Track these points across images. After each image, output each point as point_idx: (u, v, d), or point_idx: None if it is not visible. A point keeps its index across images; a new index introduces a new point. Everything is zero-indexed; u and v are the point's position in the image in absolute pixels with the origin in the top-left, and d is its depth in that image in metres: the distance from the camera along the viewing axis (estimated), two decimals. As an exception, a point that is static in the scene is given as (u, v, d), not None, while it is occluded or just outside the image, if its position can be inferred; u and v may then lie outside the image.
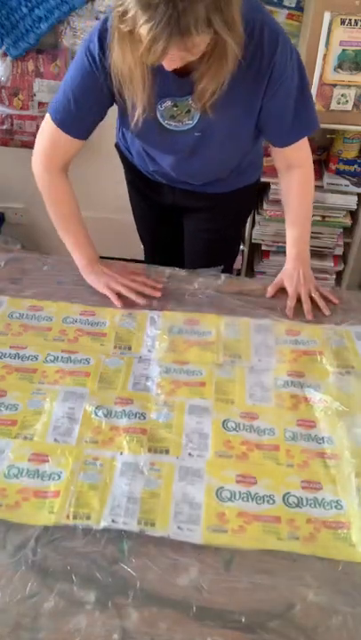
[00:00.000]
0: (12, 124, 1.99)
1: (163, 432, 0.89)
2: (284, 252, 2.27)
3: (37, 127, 1.96)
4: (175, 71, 0.93)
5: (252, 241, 2.15)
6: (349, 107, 1.73)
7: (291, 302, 1.17)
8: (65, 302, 1.17)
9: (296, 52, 1.00)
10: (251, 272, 2.27)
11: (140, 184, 1.39)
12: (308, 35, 1.63)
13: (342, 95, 1.71)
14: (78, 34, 1.82)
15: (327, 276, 2.17)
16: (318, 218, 2.01)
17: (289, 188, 1.19)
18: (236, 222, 1.49)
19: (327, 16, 1.57)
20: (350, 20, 1.57)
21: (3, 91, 1.91)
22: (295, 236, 1.21)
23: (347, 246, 2.16)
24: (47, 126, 1.09)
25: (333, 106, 1.72)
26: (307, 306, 1.16)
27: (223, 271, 1.29)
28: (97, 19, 1.78)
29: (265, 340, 1.09)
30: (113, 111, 1.14)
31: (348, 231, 2.13)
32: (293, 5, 1.71)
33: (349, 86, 1.69)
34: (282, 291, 1.22)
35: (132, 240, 1.68)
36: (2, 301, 1.17)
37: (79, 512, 0.78)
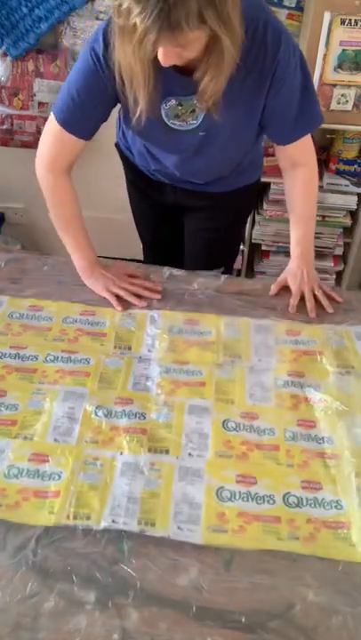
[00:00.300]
0: (12, 124, 1.99)
1: (163, 432, 0.89)
2: (285, 252, 2.29)
3: (37, 127, 1.97)
4: (179, 70, 0.93)
5: (252, 241, 2.15)
6: (349, 107, 1.73)
7: (294, 300, 1.18)
8: (65, 302, 1.17)
9: (299, 50, 1.00)
10: (251, 272, 2.26)
11: (140, 183, 1.39)
12: (308, 35, 1.63)
13: (342, 95, 1.71)
14: (78, 34, 1.82)
15: (327, 275, 2.17)
16: (318, 218, 2.01)
17: (293, 187, 1.19)
18: (236, 222, 1.49)
19: (327, 16, 1.57)
20: (350, 19, 1.57)
21: (3, 91, 1.91)
22: (299, 234, 1.21)
23: (347, 246, 2.16)
24: (51, 127, 1.09)
25: (333, 106, 1.72)
26: (310, 304, 1.16)
27: (223, 272, 1.29)
28: (97, 19, 1.78)
29: (265, 340, 1.09)
30: (113, 111, 1.14)
31: (349, 231, 2.13)
32: (293, 5, 1.71)
33: (349, 86, 1.69)
34: (283, 290, 1.22)
35: (131, 240, 1.68)
36: (2, 301, 1.17)
37: (79, 512, 0.78)
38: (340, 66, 1.65)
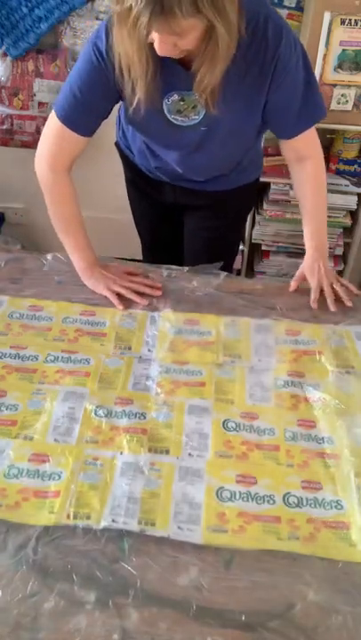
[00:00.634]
0: (12, 124, 1.99)
1: (163, 432, 0.89)
2: (285, 252, 2.29)
3: (37, 127, 1.97)
4: (181, 64, 0.94)
5: (252, 241, 2.15)
6: (349, 107, 1.73)
7: (314, 294, 1.18)
8: (65, 302, 1.17)
9: (300, 44, 1.00)
10: (251, 272, 2.27)
11: (140, 183, 1.39)
12: (308, 35, 1.63)
13: (342, 95, 1.71)
14: (78, 34, 1.82)
15: (327, 275, 2.17)
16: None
17: (302, 181, 1.18)
18: (236, 221, 1.49)
19: (327, 16, 1.57)
20: (350, 19, 1.57)
21: (3, 91, 1.92)
22: (312, 229, 1.20)
23: (347, 246, 2.16)
24: (52, 124, 1.09)
25: (333, 106, 1.72)
26: (330, 299, 1.17)
27: (223, 269, 1.29)
28: (97, 19, 1.78)
29: (265, 340, 1.09)
30: (113, 110, 1.14)
31: (349, 231, 2.13)
32: (293, 5, 1.71)
33: (349, 86, 1.69)
34: (282, 290, 1.22)
35: (131, 240, 1.68)
36: (2, 301, 1.17)
37: (79, 512, 0.78)
38: (340, 66, 1.66)
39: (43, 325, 1.11)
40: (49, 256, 1.31)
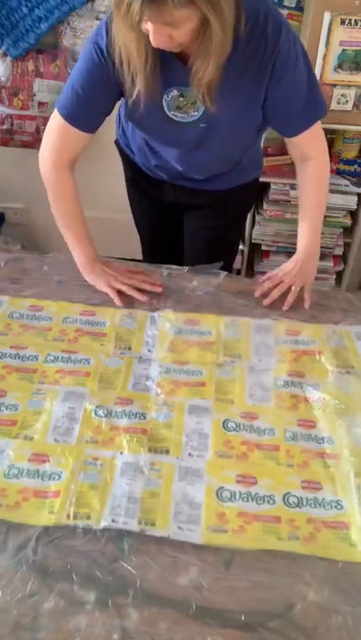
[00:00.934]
0: (12, 124, 1.99)
1: (163, 432, 0.89)
2: (285, 252, 2.29)
3: (37, 127, 1.97)
4: (180, 59, 0.94)
5: (252, 241, 2.15)
6: (349, 107, 1.73)
7: (268, 283, 1.20)
8: (65, 302, 1.17)
9: (300, 42, 1.00)
10: (251, 272, 2.27)
11: (140, 181, 1.39)
12: (308, 35, 1.63)
13: (342, 95, 1.71)
14: (78, 34, 1.82)
15: (327, 275, 2.17)
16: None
17: (302, 181, 1.18)
18: (235, 220, 1.49)
19: (327, 16, 1.57)
20: (350, 19, 1.57)
21: (3, 91, 1.91)
22: (303, 229, 1.21)
23: (347, 246, 2.16)
24: (55, 122, 1.10)
25: (333, 106, 1.72)
26: (291, 297, 1.17)
27: (223, 269, 1.29)
28: (97, 19, 1.78)
29: (265, 340, 1.09)
30: (114, 109, 1.14)
31: (349, 231, 2.13)
32: (293, 5, 1.71)
33: (349, 86, 1.69)
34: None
35: (132, 240, 1.68)
36: (2, 301, 1.17)
37: (79, 512, 0.78)
38: (340, 66, 1.65)
39: (43, 325, 1.11)
40: (49, 256, 1.31)
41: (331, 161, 1.94)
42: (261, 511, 0.79)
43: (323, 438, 0.90)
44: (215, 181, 1.29)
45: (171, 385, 0.98)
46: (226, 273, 1.27)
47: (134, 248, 1.69)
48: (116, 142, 1.39)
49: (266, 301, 1.18)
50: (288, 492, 0.81)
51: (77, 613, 0.68)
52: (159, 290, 1.20)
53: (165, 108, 1.04)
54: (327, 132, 1.88)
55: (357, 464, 0.85)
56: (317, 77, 1.65)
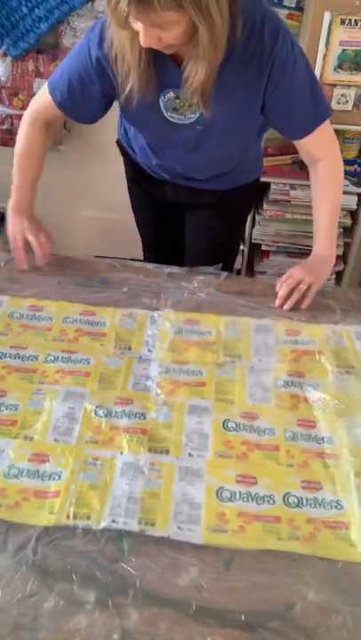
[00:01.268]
0: (12, 124, 1.99)
1: (163, 432, 0.89)
2: (285, 252, 2.29)
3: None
4: (175, 60, 0.95)
5: (252, 241, 2.15)
6: (349, 107, 1.73)
7: (279, 283, 1.17)
8: (65, 302, 1.17)
9: (298, 45, 0.99)
10: (251, 272, 2.27)
11: (141, 181, 1.40)
12: (308, 35, 1.63)
13: (342, 95, 1.71)
14: (78, 34, 1.82)
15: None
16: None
17: (314, 183, 1.17)
18: (236, 220, 1.49)
19: (327, 16, 1.57)
20: (350, 19, 1.57)
21: (3, 91, 1.92)
22: (316, 232, 1.19)
23: (347, 246, 2.16)
24: (43, 94, 1.15)
25: (333, 106, 1.72)
26: (296, 296, 1.15)
27: (223, 269, 1.29)
28: (97, 19, 1.78)
29: (265, 340, 1.09)
30: (114, 108, 1.14)
31: (349, 231, 2.13)
32: (293, 5, 1.71)
33: (349, 86, 1.69)
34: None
35: (132, 240, 1.68)
36: (2, 301, 1.17)
37: (79, 512, 0.78)
38: (340, 66, 1.66)
39: (43, 325, 1.11)
40: (49, 256, 1.31)
41: (331, 161, 1.95)
42: (261, 511, 0.79)
43: (323, 438, 0.90)
44: (216, 181, 1.29)
45: (171, 385, 0.98)
46: (226, 273, 1.27)
47: (134, 248, 1.69)
48: (118, 142, 1.40)
49: (286, 306, 1.16)
50: (288, 492, 0.81)
51: (77, 613, 0.68)
52: (40, 263, 1.24)
53: (163, 110, 1.05)
54: (327, 132, 1.90)
55: (357, 464, 0.85)
56: (317, 77, 1.66)
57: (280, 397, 0.97)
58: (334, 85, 1.69)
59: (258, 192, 1.59)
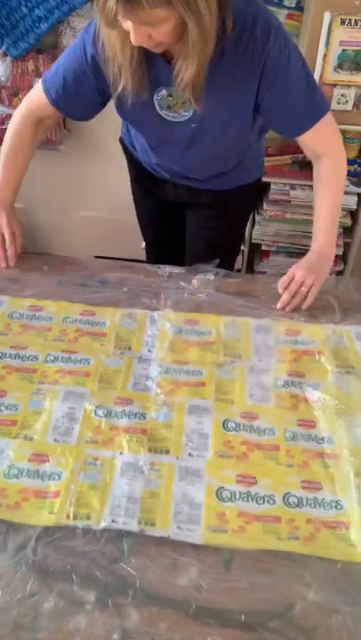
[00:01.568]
0: (12, 124, 1.99)
1: (163, 432, 0.89)
2: (285, 252, 2.29)
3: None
4: (166, 58, 0.96)
5: (252, 241, 2.15)
6: (349, 107, 1.73)
7: (280, 284, 1.15)
8: (65, 302, 1.17)
9: (292, 43, 0.99)
10: (251, 272, 2.27)
11: (143, 180, 1.40)
12: (308, 35, 1.63)
13: (342, 95, 1.71)
14: (78, 34, 1.82)
15: (328, 275, 2.17)
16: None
17: (315, 179, 1.17)
18: (236, 221, 1.50)
19: (327, 16, 1.57)
20: (350, 19, 1.57)
21: (3, 91, 1.92)
22: (316, 229, 1.18)
23: (347, 246, 2.16)
24: (37, 91, 1.15)
25: (333, 106, 1.72)
26: (298, 298, 1.15)
27: (223, 269, 1.29)
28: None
29: (265, 340, 1.09)
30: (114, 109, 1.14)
31: (349, 231, 2.13)
32: (293, 5, 1.71)
33: (349, 86, 1.69)
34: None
35: (132, 240, 1.68)
36: (2, 301, 1.17)
37: (79, 512, 0.78)
38: (340, 66, 1.66)
39: (43, 325, 1.11)
40: (49, 256, 1.31)
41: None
42: (261, 511, 0.79)
43: (323, 438, 0.90)
44: (216, 181, 1.29)
45: (171, 385, 0.98)
46: (225, 271, 1.27)
47: (134, 248, 1.69)
48: (121, 140, 1.40)
49: (288, 309, 1.16)
50: (288, 492, 0.81)
51: (77, 613, 0.68)
52: (11, 264, 1.25)
53: (157, 107, 1.05)
54: (327, 131, 1.90)
55: (357, 464, 0.85)
56: (317, 77, 1.66)
57: (280, 397, 0.97)
58: (334, 85, 1.69)
59: (258, 192, 1.58)
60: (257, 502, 0.80)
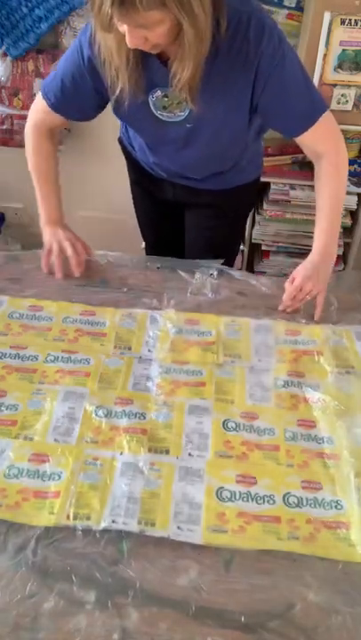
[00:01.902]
0: (12, 124, 1.99)
1: (163, 432, 0.89)
2: (285, 252, 2.29)
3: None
4: (161, 60, 0.96)
5: (252, 241, 2.15)
6: (349, 107, 1.73)
7: (291, 290, 1.13)
8: (65, 302, 1.17)
9: (287, 42, 0.98)
10: (251, 272, 2.26)
11: (142, 179, 1.40)
12: (308, 35, 1.63)
13: (342, 95, 1.71)
14: (78, 34, 1.82)
15: (327, 275, 2.17)
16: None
17: (317, 180, 1.15)
18: (236, 220, 1.49)
19: (327, 16, 1.57)
20: (350, 19, 1.57)
21: (3, 91, 1.91)
22: (317, 229, 1.16)
23: (347, 246, 2.16)
24: (38, 102, 1.16)
25: (333, 106, 1.72)
26: (300, 304, 1.14)
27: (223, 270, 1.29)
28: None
29: (265, 340, 1.09)
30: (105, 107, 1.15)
31: (349, 231, 2.13)
32: (293, 5, 1.71)
33: (349, 86, 1.69)
34: (282, 290, 1.21)
35: (132, 240, 1.68)
36: (2, 301, 1.17)
37: (79, 512, 0.78)
38: (340, 66, 1.65)
39: (43, 325, 1.11)
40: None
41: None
42: (261, 511, 0.79)
43: (323, 438, 0.90)
44: (214, 181, 1.29)
45: (171, 385, 0.98)
46: (226, 267, 1.27)
47: (135, 248, 1.69)
48: (120, 140, 1.40)
49: (288, 310, 1.15)
50: (288, 492, 0.81)
51: (77, 613, 0.68)
52: (76, 274, 1.23)
53: (152, 108, 1.06)
54: (327, 131, 1.90)
55: (357, 464, 0.85)
56: (317, 77, 1.66)
57: (280, 397, 0.97)
58: (334, 85, 1.69)
59: (258, 192, 1.58)
60: (257, 502, 0.80)
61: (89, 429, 0.90)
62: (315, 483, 0.83)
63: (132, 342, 1.08)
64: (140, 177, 1.39)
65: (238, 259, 2.16)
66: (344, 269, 2.20)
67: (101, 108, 1.15)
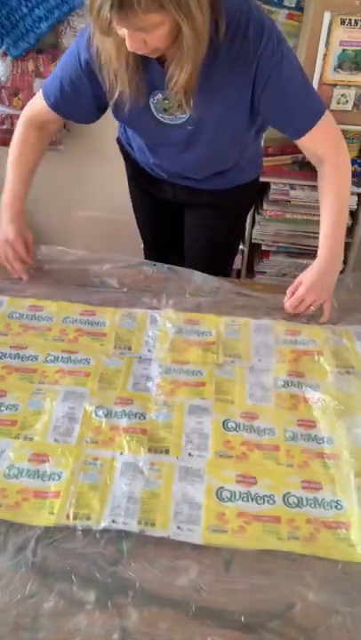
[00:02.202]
0: (12, 124, 1.99)
1: (163, 432, 0.89)
2: (285, 252, 2.29)
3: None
4: (160, 63, 0.96)
5: (252, 241, 2.15)
6: (349, 107, 1.73)
7: (293, 301, 1.12)
8: (65, 302, 1.17)
9: (286, 43, 0.98)
10: (251, 272, 2.27)
11: (141, 179, 1.40)
12: (308, 35, 1.63)
13: (342, 95, 1.71)
14: (78, 34, 1.82)
15: (327, 276, 2.17)
16: (318, 218, 2.01)
17: (320, 183, 1.15)
18: (235, 220, 1.49)
19: (327, 16, 1.57)
20: (350, 19, 1.57)
21: (3, 91, 1.91)
22: (321, 234, 1.15)
23: (347, 246, 2.16)
24: (38, 99, 1.15)
25: (333, 106, 1.72)
26: (303, 309, 1.13)
27: (223, 270, 1.29)
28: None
29: (265, 340, 1.09)
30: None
31: (349, 231, 2.12)
32: (293, 5, 1.70)
33: (349, 86, 1.69)
34: (282, 290, 1.21)
35: (132, 240, 1.68)
36: (2, 301, 1.17)
37: (79, 512, 0.78)
38: (340, 66, 1.65)
39: (43, 325, 1.11)
40: (43, 248, 1.30)
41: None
42: (261, 511, 0.79)
43: (323, 438, 0.90)
44: (214, 181, 1.29)
45: (171, 385, 0.98)
46: (227, 279, 1.26)
47: (134, 248, 1.69)
48: (118, 140, 1.40)
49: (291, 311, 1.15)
50: (288, 492, 0.81)
51: (77, 613, 0.68)
52: (24, 278, 1.22)
53: (154, 111, 1.06)
54: (327, 131, 1.90)
55: (357, 465, 0.85)
56: (317, 77, 1.66)
57: (280, 397, 0.97)
58: (334, 85, 1.69)
59: (258, 192, 1.58)
60: (257, 502, 0.80)
61: (89, 429, 0.90)
62: (315, 483, 0.83)
63: (132, 342, 1.08)
64: (139, 177, 1.39)
65: (238, 259, 2.16)
66: (344, 269, 2.20)
67: (102, 111, 1.15)
